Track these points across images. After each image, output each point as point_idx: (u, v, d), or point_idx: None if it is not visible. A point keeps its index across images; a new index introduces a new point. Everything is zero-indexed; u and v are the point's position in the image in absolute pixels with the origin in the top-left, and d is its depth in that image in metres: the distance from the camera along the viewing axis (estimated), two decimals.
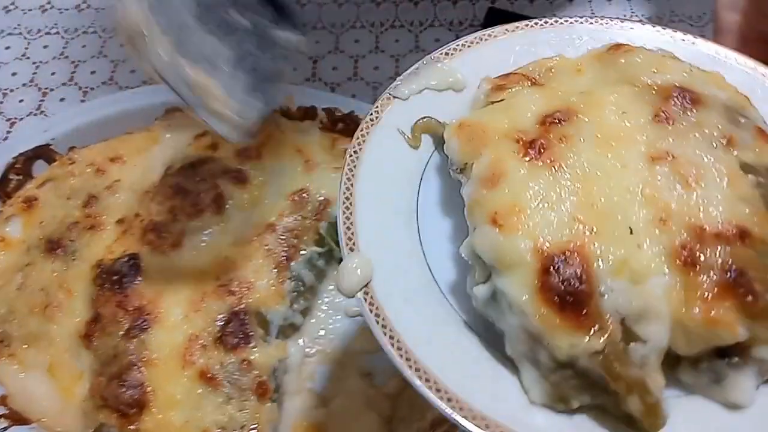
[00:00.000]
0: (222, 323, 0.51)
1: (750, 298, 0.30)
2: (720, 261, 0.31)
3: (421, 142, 0.41)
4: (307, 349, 0.55)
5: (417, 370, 0.32)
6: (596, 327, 0.30)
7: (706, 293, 0.31)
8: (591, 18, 0.45)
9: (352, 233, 0.37)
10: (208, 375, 0.49)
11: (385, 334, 0.34)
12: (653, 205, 0.33)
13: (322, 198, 0.58)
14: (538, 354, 0.32)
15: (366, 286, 0.35)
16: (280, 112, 0.63)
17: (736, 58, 0.43)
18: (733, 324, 0.30)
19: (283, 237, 0.56)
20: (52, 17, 0.88)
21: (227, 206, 0.57)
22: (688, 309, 0.31)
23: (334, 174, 0.60)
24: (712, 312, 0.30)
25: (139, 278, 0.53)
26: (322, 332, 0.56)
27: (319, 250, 0.57)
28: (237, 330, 0.51)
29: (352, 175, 0.39)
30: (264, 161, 0.60)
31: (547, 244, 0.32)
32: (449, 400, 0.31)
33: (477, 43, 0.45)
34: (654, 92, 0.37)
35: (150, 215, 0.57)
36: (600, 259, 0.31)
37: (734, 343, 0.31)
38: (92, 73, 0.81)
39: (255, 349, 0.50)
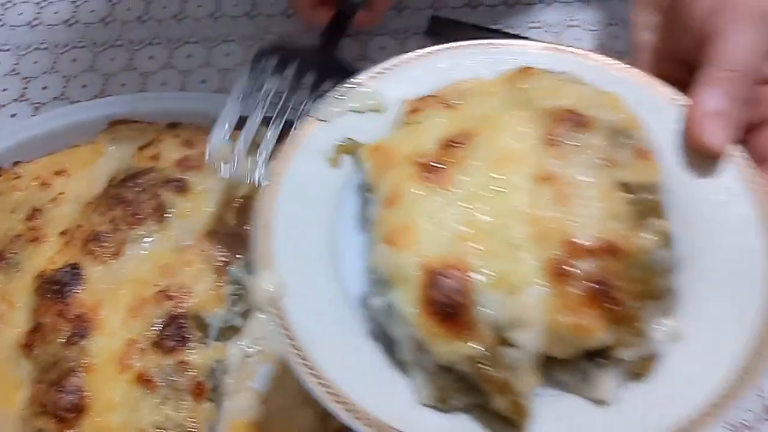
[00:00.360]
0: (160, 327, 0.52)
1: (613, 306, 0.33)
2: (588, 273, 0.34)
3: (342, 162, 0.44)
4: (247, 350, 0.57)
5: (320, 381, 0.35)
6: (472, 335, 0.33)
7: (574, 302, 0.33)
8: (513, 40, 0.47)
9: (267, 251, 0.39)
10: (146, 377, 0.50)
11: (290, 346, 0.36)
12: (534, 222, 0.35)
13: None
14: (424, 360, 0.35)
15: (276, 301, 0.38)
16: None
17: (638, 77, 0.45)
18: (596, 330, 0.33)
19: (222, 243, 0.58)
20: (2, 34, 0.89)
21: (168, 215, 0.59)
22: (559, 317, 0.33)
23: None
24: (579, 319, 0.33)
25: (80, 287, 0.55)
26: (262, 333, 0.57)
27: None
28: (174, 333, 0.52)
29: (271, 194, 0.42)
30: (204, 170, 0.62)
31: (432, 261, 0.34)
32: (346, 405, 0.34)
33: (404, 64, 0.47)
34: (548, 116, 0.39)
35: (92, 226, 0.58)
36: (479, 274, 0.34)
37: (600, 346, 0.34)
38: (44, 88, 0.82)
39: (192, 351, 0.52)
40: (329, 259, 0.40)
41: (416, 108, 0.42)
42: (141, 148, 0.64)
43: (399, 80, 0.46)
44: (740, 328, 0.36)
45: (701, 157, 0.40)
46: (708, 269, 0.38)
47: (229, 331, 0.56)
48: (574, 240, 0.34)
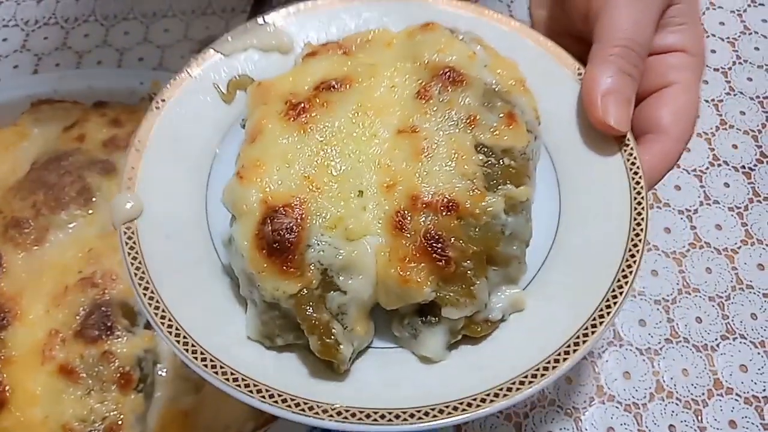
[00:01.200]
0: (83, 316, 0.50)
1: (443, 263, 0.33)
2: (425, 228, 0.33)
3: (235, 97, 0.43)
4: None
5: (156, 304, 0.35)
6: (298, 275, 0.33)
7: (406, 255, 0.33)
8: None
9: (134, 172, 0.39)
10: (68, 369, 0.48)
11: (132, 265, 0.36)
12: (386, 173, 0.35)
13: None
14: (254, 294, 0.35)
15: (131, 222, 0.37)
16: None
17: (550, 49, 0.44)
18: (421, 284, 0.33)
19: None
20: None
21: (94, 199, 0.56)
22: (390, 268, 0.33)
23: None
24: (407, 272, 0.33)
25: (0, 276, 0.52)
26: None
27: None
28: (98, 322, 0.50)
29: (152, 118, 0.41)
30: None
31: (273, 198, 0.34)
32: (173, 329, 0.34)
33: (323, 7, 0.45)
34: (428, 70, 0.38)
35: (13, 212, 0.55)
36: (317, 216, 0.34)
37: (430, 303, 0.34)
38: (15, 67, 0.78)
39: (118, 341, 0.49)
40: (200, 191, 0.40)
41: (315, 51, 0.41)
42: (66, 129, 0.61)
43: (313, 23, 0.45)
44: (580, 305, 0.35)
45: (592, 133, 0.40)
46: (570, 243, 0.38)
47: None
48: (418, 194, 0.34)
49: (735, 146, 0.68)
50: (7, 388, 0.47)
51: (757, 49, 0.75)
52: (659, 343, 0.57)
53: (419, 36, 0.40)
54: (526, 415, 0.54)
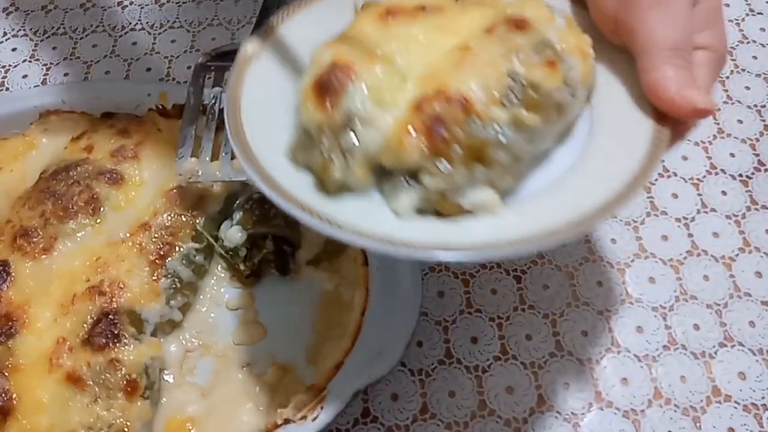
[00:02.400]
0: (90, 324, 0.51)
1: (437, 140, 0.40)
2: (438, 113, 0.40)
3: None
4: (188, 344, 0.56)
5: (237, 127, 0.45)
6: (329, 111, 0.42)
7: (415, 126, 0.41)
8: None
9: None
10: (75, 376, 0.48)
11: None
12: (429, 71, 0.43)
13: (198, 193, 0.58)
14: (297, 119, 0.45)
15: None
16: (157, 111, 0.63)
17: None
18: (413, 149, 0.40)
19: (158, 235, 0.56)
20: None
21: (102, 208, 0.57)
22: (397, 132, 0.41)
23: None
24: (407, 138, 0.40)
25: (8, 284, 0.53)
26: (203, 327, 0.56)
27: (197, 246, 0.57)
28: (106, 330, 0.50)
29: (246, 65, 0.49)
30: (141, 160, 0.60)
31: (338, 59, 0.43)
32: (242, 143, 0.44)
33: None
34: (503, 16, 0.45)
35: (21, 221, 0.56)
36: (364, 79, 0.42)
37: (416, 174, 0.41)
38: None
39: (125, 348, 0.50)
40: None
41: None
42: (74, 140, 0.62)
43: None
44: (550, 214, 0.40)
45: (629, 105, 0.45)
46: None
47: (167, 326, 0.55)
48: (445, 90, 0.41)
49: (732, 155, 0.69)
50: (14, 396, 0.48)
51: (755, 57, 0.76)
52: (657, 350, 0.58)
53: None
54: (525, 420, 0.55)
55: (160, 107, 0.63)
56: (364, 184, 0.43)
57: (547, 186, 0.43)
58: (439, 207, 0.41)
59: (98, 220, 0.57)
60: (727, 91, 0.73)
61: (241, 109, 0.46)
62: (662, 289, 0.61)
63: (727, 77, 0.74)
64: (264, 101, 0.47)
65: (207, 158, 0.57)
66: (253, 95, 0.47)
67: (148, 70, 0.82)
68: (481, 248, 0.38)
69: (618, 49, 0.47)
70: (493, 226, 0.41)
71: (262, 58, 0.49)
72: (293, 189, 0.42)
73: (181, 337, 0.56)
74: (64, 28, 0.87)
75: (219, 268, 0.59)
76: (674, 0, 0.43)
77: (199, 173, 0.56)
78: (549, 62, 0.42)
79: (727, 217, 0.65)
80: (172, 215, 0.57)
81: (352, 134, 0.42)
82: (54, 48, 0.85)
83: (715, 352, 0.57)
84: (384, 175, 0.43)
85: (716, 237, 0.63)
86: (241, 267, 0.57)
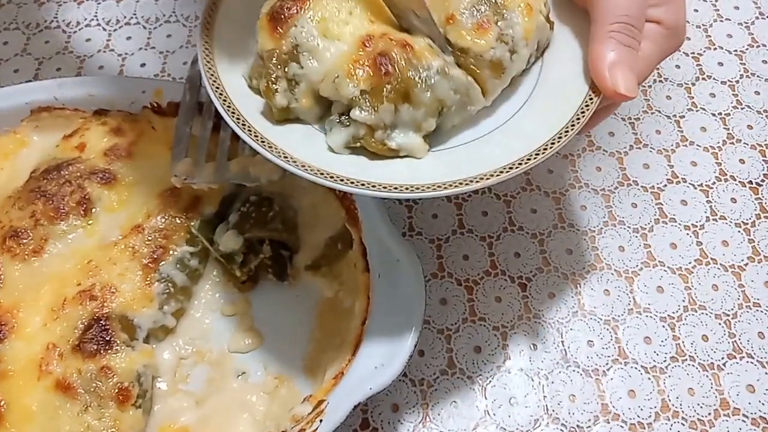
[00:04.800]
0: (81, 330, 0.49)
1: (382, 71, 0.43)
2: (381, 48, 0.44)
3: None
4: (181, 351, 0.54)
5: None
6: (277, 38, 0.46)
7: (359, 59, 0.44)
8: None
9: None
10: (65, 384, 0.47)
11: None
12: (376, 16, 0.46)
13: (193, 194, 0.56)
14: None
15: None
16: (151, 108, 0.61)
17: None
18: (358, 81, 0.43)
19: (151, 237, 0.54)
20: None
21: (94, 209, 0.55)
22: (343, 64, 0.44)
23: None
24: (354, 68, 0.44)
25: None
26: (197, 333, 0.55)
27: (191, 249, 0.55)
28: (97, 336, 0.49)
29: None
30: (134, 160, 0.58)
31: None
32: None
33: None
34: None
35: (11, 221, 0.54)
36: (313, 10, 0.46)
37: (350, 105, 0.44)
38: None
39: (116, 355, 0.48)
40: None
41: None
42: (66, 138, 0.60)
43: None
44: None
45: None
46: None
47: (160, 332, 0.53)
48: (389, 33, 0.45)
49: (742, 161, 0.67)
50: (2, 403, 0.46)
51: (765, 62, 0.74)
52: (665, 361, 0.56)
53: None
54: None
55: (155, 105, 0.60)
56: (308, 114, 0.46)
57: (478, 138, 0.46)
58: (368, 145, 0.44)
59: (90, 222, 0.55)
60: (737, 95, 0.72)
61: (215, 25, 0.50)
62: (670, 299, 0.59)
63: (737, 82, 0.73)
64: (238, 23, 0.50)
65: (203, 159, 0.55)
66: (229, 15, 0.51)
67: (143, 65, 0.80)
68: (399, 188, 0.41)
69: (581, 12, 0.49)
70: (415, 169, 0.44)
71: None
72: (243, 108, 0.46)
73: (174, 344, 0.54)
74: (57, 21, 0.85)
75: (214, 273, 0.57)
76: None
77: (194, 174, 0.54)
78: (479, 25, 0.46)
79: (737, 225, 0.63)
80: (166, 217, 0.55)
81: (296, 64, 0.45)
82: (47, 42, 0.83)
83: (724, 364, 0.56)
84: (327, 111, 0.46)
85: (725, 246, 0.62)
86: (237, 273, 0.55)
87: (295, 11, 0.46)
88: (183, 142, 0.56)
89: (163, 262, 0.53)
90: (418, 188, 0.41)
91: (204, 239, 0.56)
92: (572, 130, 0.44)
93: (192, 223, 0.56)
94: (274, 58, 0.46)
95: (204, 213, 0.56)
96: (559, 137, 0.44)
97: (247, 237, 0.55)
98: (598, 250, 0.62)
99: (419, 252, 0.62)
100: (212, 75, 0.48)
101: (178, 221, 0.55)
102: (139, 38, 0.82)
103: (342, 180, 0.41)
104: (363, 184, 0.41)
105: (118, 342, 0.49)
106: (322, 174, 0.42)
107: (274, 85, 0.46)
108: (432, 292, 0.60)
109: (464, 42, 0.46)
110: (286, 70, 0.46)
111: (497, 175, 0.42)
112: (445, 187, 0.41)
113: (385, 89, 0.43)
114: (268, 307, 0.56)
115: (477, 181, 0.41)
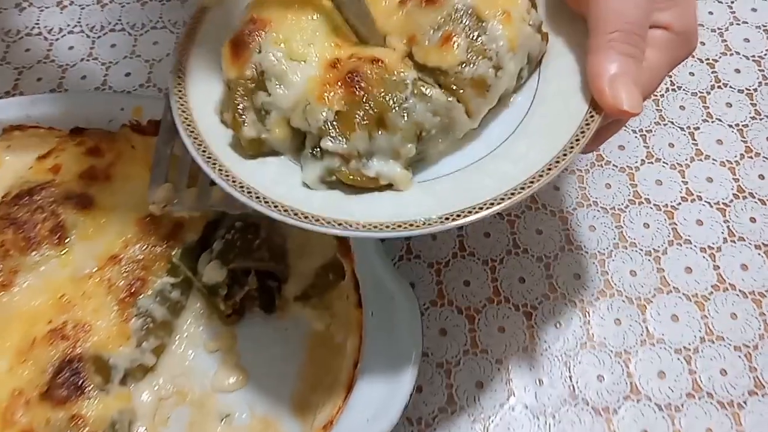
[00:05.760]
0: (51, 374, 0.45)
1: (354, 89, 0.40)
2: (351, 66, 0.41)
3: None
4: (161, 391, 0.50)
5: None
6: (240, 65, 0.43)
7: (329, 81, 0.41)
8: None
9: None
10: None
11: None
12: (341, 38, 0.43)
13: (174, 220, 0.53)
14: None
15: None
16: (130, 127, 0.57)
17: None
18: (330, 105, 0.40)
19: (129, 269, 0.50)
20: None
21: (69, 237, 0.52)
22: (313, 88, 0.41)
23: None
24: (325, 91, 0.40)
25: None
26: (178, 371, 0.51)
27: (173, 280, 0.51)
28: (68, 381, 0.45)
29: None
30: (112, 183, 0.54)
31: (255, 15, 0.44)
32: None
33: None
34: None
35: None
36: (276, 32, 0.43)
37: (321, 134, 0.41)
38: None
39: (89, 402, 0.45)
40: None
41: None
42: (40, 159, 0.56)
43: None
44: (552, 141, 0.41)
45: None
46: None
47: (138, 371, 0.49)
48: (358, 53, 0.42)
49: (762, 177, 0.63)
50: None
51: None
52: (680, 397, 0.52)
53: None
54: None
55: (135, 123, 0.57)
56: (284, 145, 0.43)
57: (470, 165, 0.42)
58: (344, 178, 0.41)
59: (64, 251, 0.51)
60: (755, 105, 0.68)
61: (190, 58, 0.46)
62: (686, 329, 0.55)
63: (756, 90, 0.68)
64: (210, 57, 0.46)
65: (184, 183, 0.51)
66: (203, 46, 0.47)
67: (127, 75, 0.76)
68: (380, 227, 0.38)
69: (580, 20, 0.44)
70: (400, 204, 0.40)
71: (216, 11, 0.49)
72: (213, 142, 0.42)
73: (154, 383, 0.50)
74: (38, 28, 0.81)
75: (198, 305, 0.53)
76: None
77: (174, 201, 0.50)
78: (444, 39, 0.41)
79: (757, 247, 0.59)
80: (145, 246, 0.51)
81: (263, 92, 0.42)
82: (27, 50, 0.79)
83: (745, 402, 0.52)
84: (301, 143, 0.43)
85: (745, 270, 0.58)
86: (221, 306, 0.51)
87: (257, 35, 0.42)
88: (162, 165, 0.52)
89: (141, 296, 0.50)
90: (402, 225, 0.37)
91: (186, 269, 0.52)
92: (570, 153, 0.39)
93: (173, 252, 0.52)
94: (240, 87, 0.42)
95: (186, 240, 0.53)
96: (557, 161, 0.39)
97: (231, 268, 0.51)
98: (608, 274, 0.58)
99: (417, 277, 0.58)
100: (182, 105, 0.44)
101: (158, 250, 0.51)
102: (124, 46, 0.78)
103: (317, 220, 0.37)
104: (340, 224, 0.37)
105: (91, 386, 0.46)
106: (294, 213, 0.38)
107: (241, 117, 0.42)
108: (431, 321, 0.56)
109: (431, 60, 0.41)
110: (253, 98, 0.42)
111: (489, 208, 0.38)
112: (435, 223, 0.37)
113: (357, 115, 0.39)
114: (255, 340, 0.52)
115: (469, 215, 0.38)
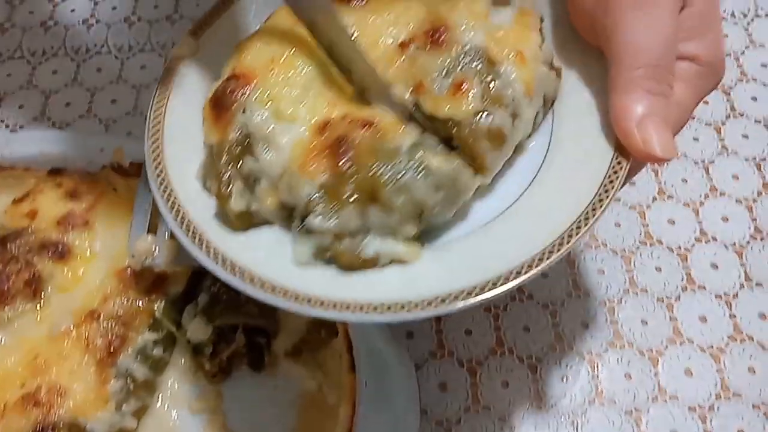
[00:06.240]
0: None
1: (340, 159, 0.35)
2: (339, 133, 0.37)
3: None
4: None
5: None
6: (223, 128, 0.39)
7: (315, 149, 0.36)
8: None
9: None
10: None
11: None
12: (334, 92, 0.39)
13: (157, 272, 0.50)
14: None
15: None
16: (111, 168, 0.54)
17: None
18: (314, 174, 0.36)
19: (107, 326, 0.47)
20: None
21: (44, 291, 0.48)
22: (298, 155, 0.37)
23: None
24: (309, 160, 0.36)
25: None
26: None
27: (155, 336, 0.48)
28: None
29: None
30: (91, 229, 0.51)
31: (238, 68, 0.40)
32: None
33: None
34: (427, 22, 0.40)
35: None
36: (261, 90, 0.39)
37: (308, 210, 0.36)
38: None
39: None
40: None
41: None
42: (15, 202, 0.53)
43: None
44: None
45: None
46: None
47: None
48: (349, 114, 0.37)
49: None
50: None
51: None
52: None
53: None
54: None
55: (115, 164, 0.53)
56: (276, 216, 0.38)
57: (485, 225, 0.38)
58: (338, 258, 0.36)
59: (39, 305, 0.48)
60: None
61: (165, 123, 0.42)
62: (701, 384, 0.52)
63: None
64: (188, 114, 0.42)
65: (165, 233, 0.48)
66: (180, 102, 0.43)
67: (113, 102, 0.73)
68: (381, 308, 0.33)
69: (594, 50, 0.40)
70: (407, 277, 0.36)
71: (192, 63, 0.45)
72: (197, 217, 0.38)
73: None
74: (21, 51, 0.77)
75: (182, 361, 0.50)
76: (659, 2, 0.36)
77: (155, 254, 0.47)
78: (455, 87, 0.38)
79: None
80: (126, 300, 0.48)
81: (251, 158, 0.38)
82: (9, 75, 0.75)
83: None
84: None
85: (764, 319, 0.55)
86: (207, 365, 0.48)
87: (241, 93, 0.38)
88: (143, 214, 0.49)
89: (121, 355, 0.46)
90: (406, 306, 0.33)
91: (170, 323, 0.49)
92: (600, 207, 0.35)
93: (156, 306, 0.49)
94: (225, 153, 0.38)
95: (170, 293, 0.49)
96: (586, 217, 0.35)
97: (217, 324, 0.48)
98: (617, 323, 0.55)
99: (415, 326, 0.55)
100: (160, 173, 0.40)
101: (140, 304, 0.48)
102: (110, 70, 0.75)
103: (309, 301, 0.33)
104: (335, 306, 0.33)
105: None
106: (284, 294, 0.34)
107: (227, 189, 0.37)
108: (429, 374, 0.53)
109: (443, 111, 0.37)
110: (240, 165, 0.38)
111: (514, 278, 0.33)
112: (448, 301, 0.33)
113: (346, 189, 0.35)
114: (243, 400, 0.49)
115: (493, 288, 0.33)
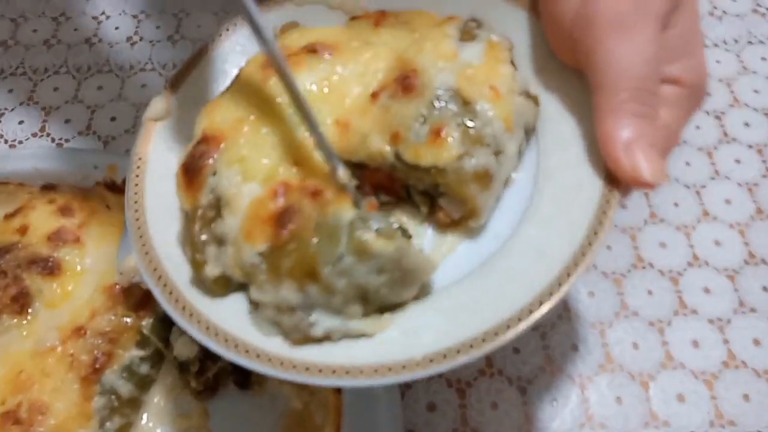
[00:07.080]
0: None
1: (280, 229, 0.35)
2: (289, 201, 0.36)
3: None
4: None
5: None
6: (195, 193, 0.38)
7: (261, 215, 0.36)
8: None
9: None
10: None
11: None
12: (296, 150, 0.38)
13: (145, 289, 0.49)
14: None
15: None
16: (104, 185, 0.54)
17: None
18: (255, 241, 0.35)
19: (93, 342, 0.47)
20: None
21: (32, 307, 0.48)
22: (247, 225, 0.36)
23: None
24: (252, 228, 0.35)
25: None
26: None
27: (142, 353, 0.48)
28: None
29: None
30: (82, 246, 0.51)
31: (209, 130, 0.39)
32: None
33: None
34: (396, 68, 0.40)
35: None
36: (230, 151, 0.38)
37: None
38: None
39: None
40: None
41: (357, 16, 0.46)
42: (7, 217, 0.53)
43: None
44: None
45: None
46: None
47: None
48: (304, 181, 0.37)
49: None
50: None
51: None
52: None
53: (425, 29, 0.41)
54: None
55: (109, 181, 0.54)
56: (244, 280, 0.37)
57: (476, 263, 0.37)
58: (288, 334, 0.35)
59: (26, 321, 0.48)
60: (765, 161, 0.64)
61: (146, 187, 0.42)
62: (694, 410, 0.51)
63: (767, 145, 0.65)
64: (166, 181, 0.42)
65: None
66: (159, 165, 0.43)
67: (113, 120, 0.73)
68: (352, 371, 0.33)
69: (573, 72, 0.40)
70: (403, 331, 0.34)
71: (167, 124, 0.45)
72: (181, 283, 0.37)
73: None
74: (23, 67, 0.79)
75: (170, 379, 0.50)
76: (640, 22, 0.36)
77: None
78: (434, 133, 0.37)
79: None
80: (113, 317, 0.48)
81: (221, 220, 0.37)
82: (10, 91, 0.77)
83: None
84: None
85: (757, 345, 0.54)
86: (193, 383, 0.48)
87: (210, 156, 0.38)
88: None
89: (106, 371, 0.46)
90: (414, 365, 0.32)
91: (158, 340, 0.49)
92: (596, 241, 0.34)
93: (143, 323, 0.49)
94: (198, 219, 0.38)
95: (158, 310, 0.49)
96: (582, 253, 0.34)
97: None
98: (608, 346, 0.54)
99: None
100: (142, 237, 0.39)
101: (128, 321, 0.48)
102: (111, 88, 0.76)
103: (280, 362, 0.33)
104: (308, 369, 0.33)
105: None
106: (253, 354, 0.33)
107: (201, 255, 0.37)
108: (418, 395, 0.53)
109: (424, 159, 0.36)
110: (213, 228, 0.37)
111: (518, 323, 0.32)
112: (455, 356, 0.32)
113: (285, 262, 0.34)
114: (229, 418, 0.49)
115: (495, 336, 0.32)
